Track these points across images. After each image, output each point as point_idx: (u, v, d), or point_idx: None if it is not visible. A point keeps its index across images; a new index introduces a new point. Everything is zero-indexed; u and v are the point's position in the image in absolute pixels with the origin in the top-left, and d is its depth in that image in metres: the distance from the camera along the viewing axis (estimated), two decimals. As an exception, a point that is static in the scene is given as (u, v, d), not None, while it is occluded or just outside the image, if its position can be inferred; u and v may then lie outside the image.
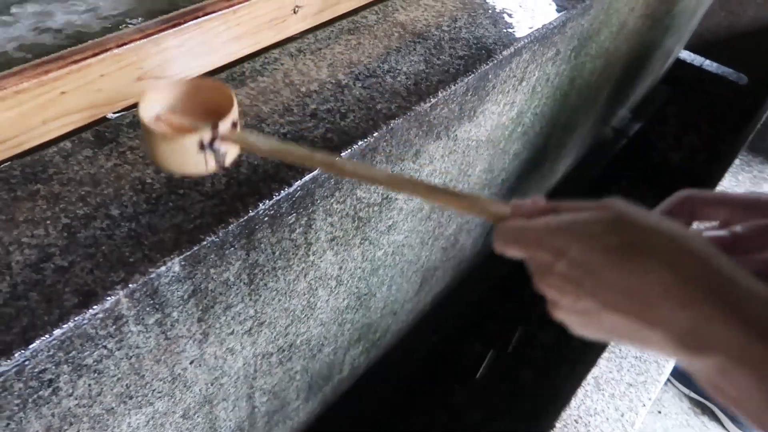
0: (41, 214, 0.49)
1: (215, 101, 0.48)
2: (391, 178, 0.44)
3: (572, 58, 1.01)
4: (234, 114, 0.46)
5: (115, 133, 0.57)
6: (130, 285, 0.46)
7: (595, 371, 1.05)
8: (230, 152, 0.47)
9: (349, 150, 0.60)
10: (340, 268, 0.74)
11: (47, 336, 0.42)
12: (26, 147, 0.52)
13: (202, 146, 0.44)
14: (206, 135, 0.44)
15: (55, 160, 0.54)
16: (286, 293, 0.67)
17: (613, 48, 1.19)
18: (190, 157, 0.44)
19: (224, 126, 0.45)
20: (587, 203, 0.35)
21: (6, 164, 0.52)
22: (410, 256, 0.93)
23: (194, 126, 0.45)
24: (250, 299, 0.61)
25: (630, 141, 1.99)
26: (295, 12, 0.69)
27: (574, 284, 0.33)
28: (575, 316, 0.34)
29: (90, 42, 0.54)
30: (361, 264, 0.79)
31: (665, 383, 1.28)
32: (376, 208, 0.73)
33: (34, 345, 0.41)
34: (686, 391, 1.45)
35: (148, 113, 0.45)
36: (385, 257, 0.84)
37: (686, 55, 2.29)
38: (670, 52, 1.97)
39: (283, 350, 0.75)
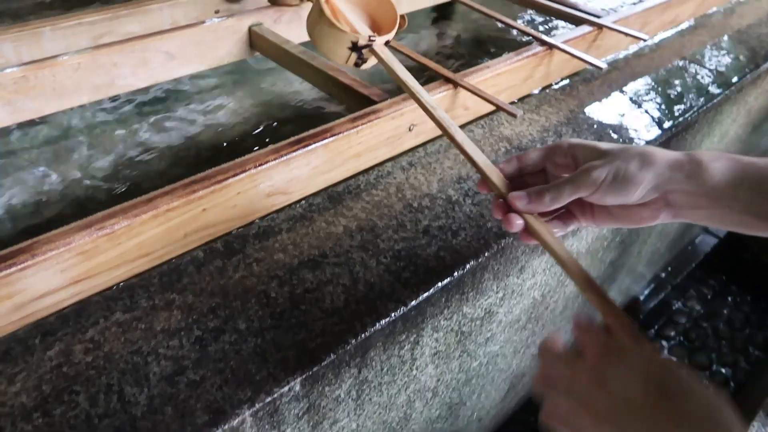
0: (176, 325, 0.52)
1: (382, 12, 0.58)
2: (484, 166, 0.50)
3: (674, 169, 1.00)
4: (392, 35, 0.55)
5: (242, 244, 0.61)
6: (255, 404, 0.47)
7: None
8: (370, 61, 0.57)
9: (462, 270, 0.61)
10: (438, 380, 0.74)
11: (181, 454, 0.43)
12: (166, 258, 0.56)
13: (353, 47, 0.54)
14: (362, 41, 0.54)
15: (189, 269, 0.57)
16: (386, 406, 0.66)
17: (713, 156, 1.17)
18: (339, 49, 0.55)
19: (379, 42, 0.54)
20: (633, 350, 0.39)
21: (147, 273, 0.56)
22: (502, 365, 0.91)
23: (356, 25, 0.55)
24: (355, 413, 0.61)
25: (721, 241, 1.90)
26: (410, 130, 0.72)
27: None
28: None
29: (231, 163, 0.58)
30: (457, 375, 0.78)
31: None
32: (478, 322, 0.72)
33: (167, 462, 0.43)
34: None
35: None
36: (480, 367, 0.83)
37: (781, 153, 2.21)
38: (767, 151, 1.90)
39: (375, 460, 0.74)
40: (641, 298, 1.70)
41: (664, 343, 1.73)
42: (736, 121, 1.14)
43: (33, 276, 0.47)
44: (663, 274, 1.75)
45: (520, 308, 0.81)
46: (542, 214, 0.48)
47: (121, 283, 0.55)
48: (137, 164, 0.76)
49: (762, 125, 1.44)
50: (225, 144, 0.81)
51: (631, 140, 0.82)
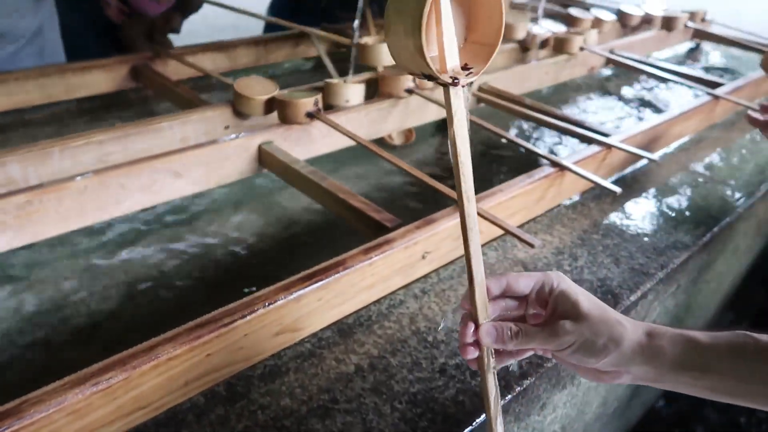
0: (172, 490, 0.47)
1: (487, 20, 0.44)
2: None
3: (690, 287, 0.97)
4: (480, 73, 0.44)
5: (247, 387, 0.57)
6: None
7: None
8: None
9: (483, 416, 0.56)
10: None
11: None
12: (165, 408, 0.52)
13: (427, 76, 0.42)
14: (442, 80, 0.42)
15: (188, 419, 0.53)
16: None
17: (726, 269, 1.15)
18: (412, 67, 0.42)
19: (463, 82, 0.43)
20: None
21: (142, 425, 0.52)
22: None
23: (448, 47, 0.42)
24: None
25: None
26: (423, 257, 0.70)
27: None
28: None
29: (238, 303, 0.55)
30: None
31: None
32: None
33: None
34: None
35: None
36: None
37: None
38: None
39: None
40: (657, 406, 1.62)
41: (683, 457, 1.64)
42: (748, 234, 1.13)
43: (18, 442, 0.43)
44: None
45: (540, 445, 0.75)
46: None
47: (114, 439, 0.50)
48: (135, 294, 0.73)
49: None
50: (231, 268, 0.78)
51: (651, 266, 0.80)
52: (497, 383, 0.48)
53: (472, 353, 0.47)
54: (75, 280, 0.74)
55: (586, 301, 0.48)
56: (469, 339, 0.47)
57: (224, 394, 0.56)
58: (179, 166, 0.80)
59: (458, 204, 0.46)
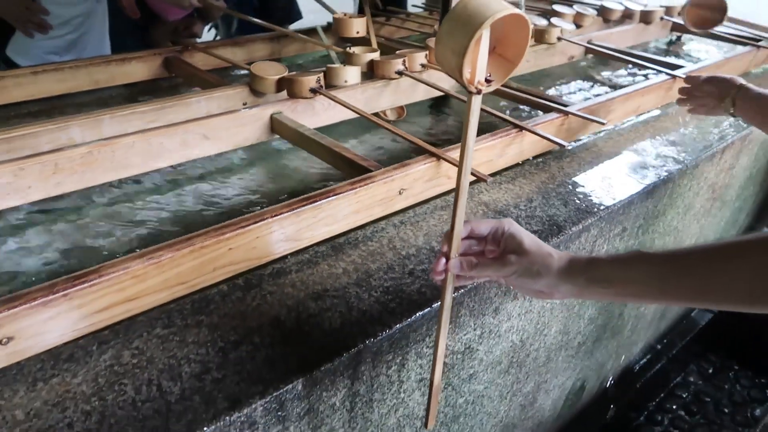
0: (204, 338, 0.65)
1: (514, 40, 0.55)
2: None
3: (639, 234, 1.13)
4: (502, 81, 0.56)
5: (259, 281, 0.74)
6: (266, 396, 0.59)
7: None
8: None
9: (438, 302, 0.73)
10: (425, 408, 0.84)
11: (205, 429, 0.55)
12: (198, 287, 0.70)
13: (459, 81, 0.54)
14: (469, 88, 0.54)
15: (215, 299, 0.71)
16: (378, 426, 0.76)
17: (682, 226, 1.30)
18: (449, 74, 0.55)
19: (484, 90, 0.55)
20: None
21: (182, 300, 0.70)
22: (489, 408, 1.00)
23: (479, 60, 0.53)
24: (349, 426, 0.72)
25: (717, 315, 1.97)
26: (400, 193, 0.87)
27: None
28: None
29: (252, 213, 0.73)
30: (444, 408, 0.88)
31: None
32: (459, 356, 0.83)
33: (194, 436, 0.54)
34: None
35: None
36: (466, 405, 0.92)
37: (771, 234, 2.31)
38: (749, 229, 2.01)
39: (370, 484, 0.82)
40: (636, 368, 1.76)
41: (664, 415, 1.77)
42: (699, 195, 1.28)
43: (98, 292, 0.61)
44: (659, 346, 1.81)
45: (499, 350, 0.92)
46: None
47: (161, 307, 0.68)
48: (180, 218, 0.92)
49: (733, 202, 1.58)
50: (249, 206, 0.97)
51: (595, 207, 0.96)
52: (453, 299, 0.65)
53: (440, 277, 0.65)
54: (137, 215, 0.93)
55: (528, 240, 0.64)
56: (441, 268, 0.65)
57: (242, 285, 0.74)
58: (207, 130, 0.98)
59: (457, 178, 0.61)
